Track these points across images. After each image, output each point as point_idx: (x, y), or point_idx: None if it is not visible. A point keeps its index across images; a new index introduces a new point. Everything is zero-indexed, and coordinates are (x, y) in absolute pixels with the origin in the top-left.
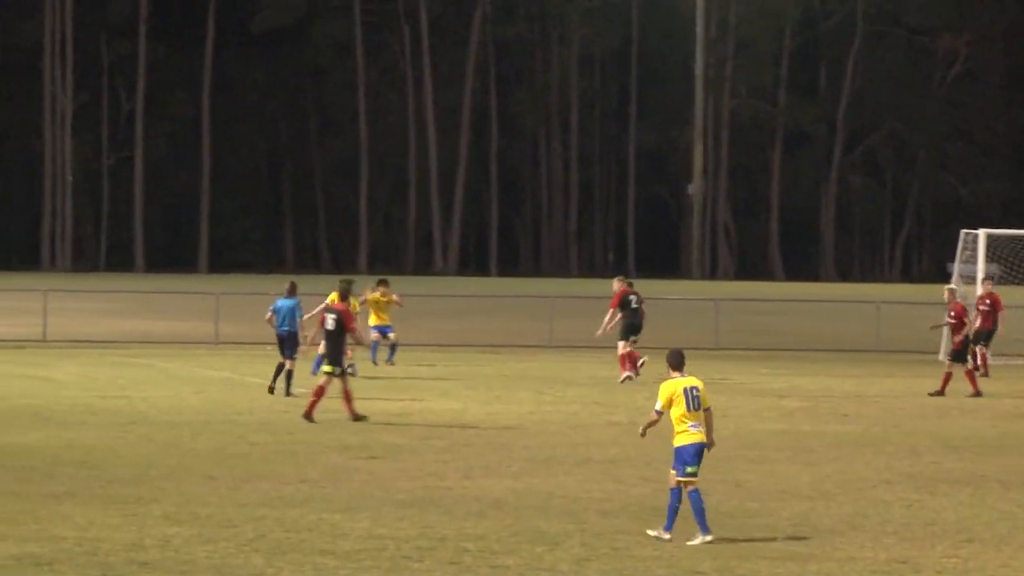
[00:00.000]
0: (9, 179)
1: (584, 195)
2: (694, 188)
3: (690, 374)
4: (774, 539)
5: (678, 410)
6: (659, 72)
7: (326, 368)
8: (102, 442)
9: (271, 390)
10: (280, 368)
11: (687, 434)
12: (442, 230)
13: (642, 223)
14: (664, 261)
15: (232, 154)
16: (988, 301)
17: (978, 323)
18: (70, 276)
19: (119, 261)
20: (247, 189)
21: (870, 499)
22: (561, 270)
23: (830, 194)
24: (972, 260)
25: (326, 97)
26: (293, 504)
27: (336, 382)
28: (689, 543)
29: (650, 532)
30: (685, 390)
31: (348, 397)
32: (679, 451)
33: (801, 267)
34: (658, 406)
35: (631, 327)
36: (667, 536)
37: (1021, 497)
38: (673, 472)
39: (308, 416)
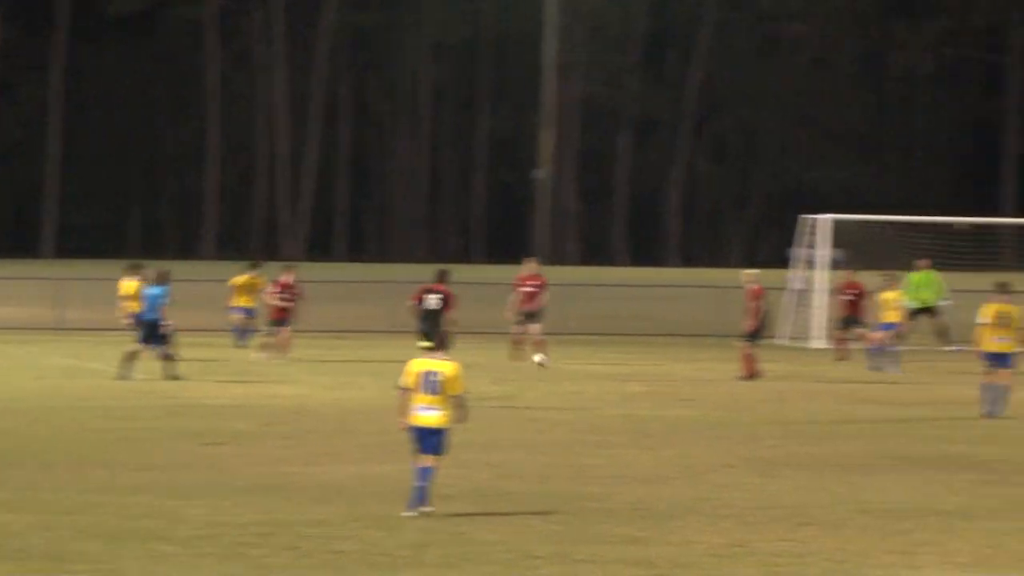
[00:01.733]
0: None
1: (433, 181)
2: (541, 174)
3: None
4: (613, 523)
5: (415, 391)
6: (510, 58)
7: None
8: None
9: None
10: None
11: (415, 416)
12: (290, 215)
13: (491, 209)
14: (512, 247)
15: (82, 139)
16: (852, 290)
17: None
18: None
19: None
20: (95, 174)
21: (709, 483)
22: (408, 256)
23: (676, 179)
24: (813, 245)
25: (177, 81)
26: (133, 491)
27: None
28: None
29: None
30: (423, 373)
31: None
32: (410, 431)
33: (646, 252)
34: (401, 383)
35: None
36: (429, 509)
37: (858, 480)
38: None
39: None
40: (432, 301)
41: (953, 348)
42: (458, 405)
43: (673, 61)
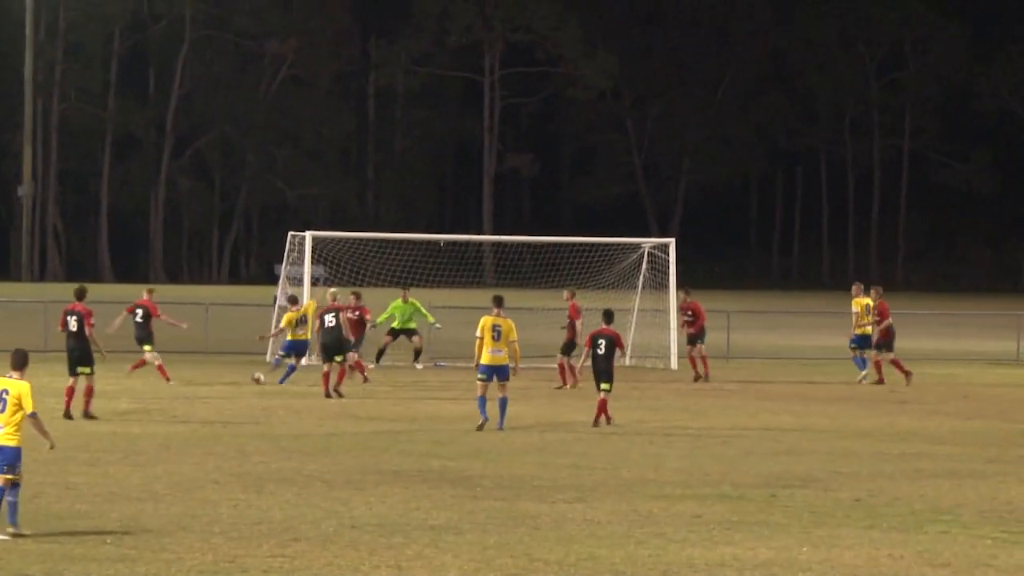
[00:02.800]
0: None
1: None
2: (24, 191)
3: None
4: (104, 541)
5: None
6: None
7: (84, 369)
8: None
9: None
10: None
11: None
12: None
13: None
14: None
15: None
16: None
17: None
18: None
19: None
20: None
21: (198, 499)
22: None
23: (159, 197)
24: (299, 262)
25: None
26: None
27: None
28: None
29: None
30: None
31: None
32: None
33: (131, 269)
34: None
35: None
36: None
37: (345, 495)
38: None
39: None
40: (72, 322)
41: (431, 364)
42: (33, 423)
43: (154, 79)
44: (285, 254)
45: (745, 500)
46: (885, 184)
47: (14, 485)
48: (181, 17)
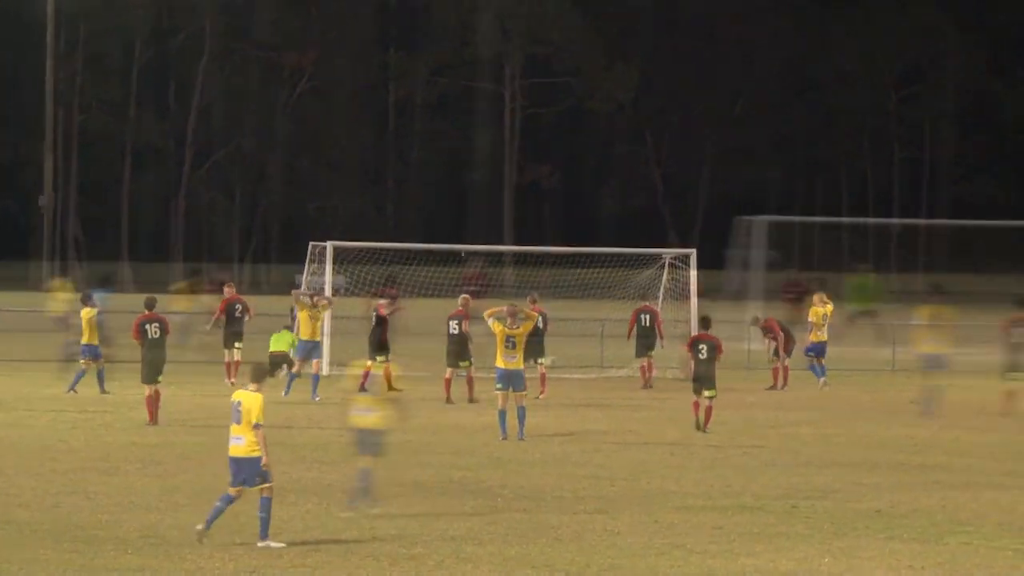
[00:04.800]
0: None
1: None
2: (44, 201)
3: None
4: (124, 551)
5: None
6: (9, 84)
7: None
8: None
9: None
10: None
11: (230, 447)
12: None
13: None
14: (14, 275)
15: None
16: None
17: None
18: None
19: None
20: None
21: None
22: None
23: (180, 208)
24: (320, 272)
25: None
26: None
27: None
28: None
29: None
30: (233, 404)
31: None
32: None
33: (152, 279)
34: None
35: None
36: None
37: (365, 506)
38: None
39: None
40: (153, 330)
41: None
42: (256, 434)
43: (174, 91)
44: (306, 264)
45: (766, 511)
46: (904, 197)
47: (265, 499)
48: (201, 29)
